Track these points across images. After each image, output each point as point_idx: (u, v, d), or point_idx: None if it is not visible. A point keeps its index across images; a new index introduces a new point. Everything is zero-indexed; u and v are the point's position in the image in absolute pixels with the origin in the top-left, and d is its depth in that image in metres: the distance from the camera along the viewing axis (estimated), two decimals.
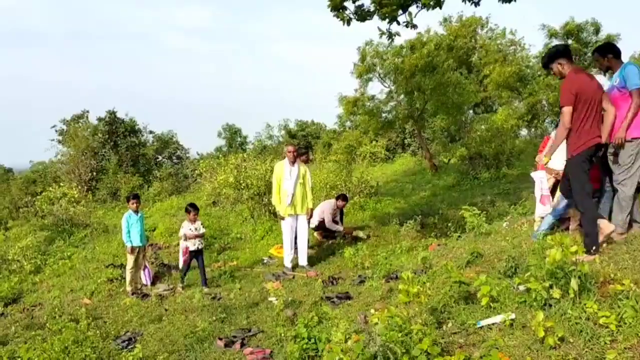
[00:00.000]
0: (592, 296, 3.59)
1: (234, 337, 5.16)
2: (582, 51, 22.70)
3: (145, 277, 8.52)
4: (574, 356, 3.01)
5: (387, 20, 7.38)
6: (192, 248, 7.84)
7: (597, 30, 22.88)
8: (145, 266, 8.59)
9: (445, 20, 30.17)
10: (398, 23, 7.45)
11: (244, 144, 36.02)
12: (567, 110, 4.66)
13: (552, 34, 22.86)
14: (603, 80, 5.23)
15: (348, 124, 29.21)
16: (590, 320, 3.33)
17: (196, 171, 18.81)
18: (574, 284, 3.52)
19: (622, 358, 2.89)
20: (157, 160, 29.37)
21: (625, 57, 5.19)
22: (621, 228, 4.83)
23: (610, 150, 4.90)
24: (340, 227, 9.86)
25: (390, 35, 7.87)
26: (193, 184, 23.03)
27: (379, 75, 18.60)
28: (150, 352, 5.01)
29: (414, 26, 7.67)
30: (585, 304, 3.47)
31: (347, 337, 3.74)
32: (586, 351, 3.05)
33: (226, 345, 4.94)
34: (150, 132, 29.01)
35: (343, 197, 10.15)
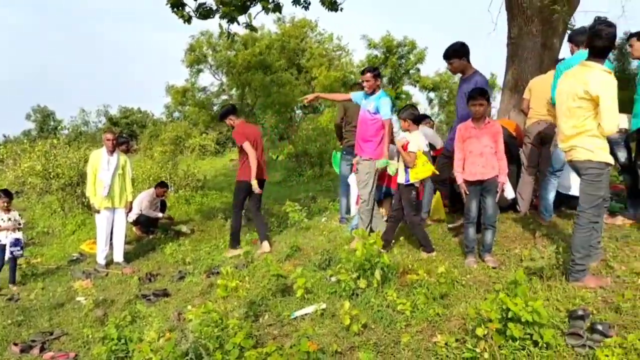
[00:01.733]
0: (393, 285, 3.98)
1: (33, 341, 4.64)
2: (397, 63, 25.03)
3: None
4: (375, 341, 3.29)
5: (227, 20, 7.37)
6: (11, 249, 6.81)
7: (412, 47, 25.42)
8: None
9: (278, 19, 30.87)
10: (238, 23, 7.48)
11: (57, 128, 32.65)
12: (247, 144, 6.33)
13: (372, 45, 24.77)
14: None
15: (177, 114, 28.20)
16: (389, 307, 3.68)
17: None
18: (377, 274, 3.86)
19: (414, 340, 3.24)
20: None
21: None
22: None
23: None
24: (159, 214, 9.44)
25: (230, 36, 7.96)
26: None
27: (211, 66, 18.31)
28: None
29: (254, 29, 7.83)
30: (386, 293, 3.82)
31: (160, 335, 3.60)
32: (385, 335, 3.35)
33: (22, 351, 4.44)
34: None
35: (162, 185, 9.70)
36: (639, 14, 7.91)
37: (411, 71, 25.70)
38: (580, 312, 3.14)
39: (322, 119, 23.10)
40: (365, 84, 5.48)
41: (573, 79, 3.79)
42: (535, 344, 2.90)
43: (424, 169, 4.82)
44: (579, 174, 3.89)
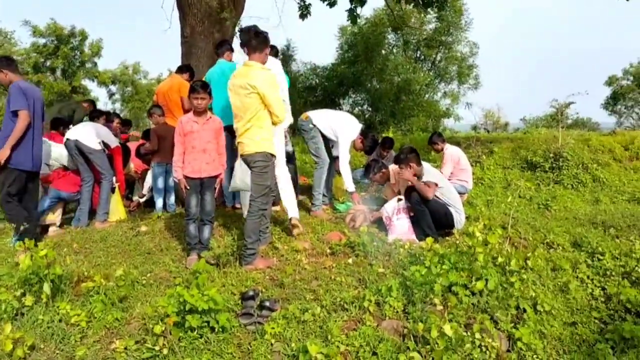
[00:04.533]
0: (66, 297, 3.62)
1: None
2: (70, 55, 23.04)
3: None
4: None
5: None
6: None
7: (84, 38, 23.63)
8: None
9: None
10: None
11: None
12: None
13: (38, 33, 22.17)
14: None
15: None
16: (62, 321, 3.33)
17: None
18: (46, 288, 3.46)
19: (91, 351, 3.02)
20: None
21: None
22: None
23: None
24: None
25: None
26: None
27: None
28: None
29: None
30: (58, 306, 3.45)
31: None
32: (57, 354, 3.03)
33: None
34: None
35: None
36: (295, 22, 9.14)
37: (88, 65, 23.86)
38: (251, 293, 3.46)
39: None
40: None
41: (241, 78, 4.12)
42: (213, 329, 3.06)
43: None
44: (250, 167, 4.24)
